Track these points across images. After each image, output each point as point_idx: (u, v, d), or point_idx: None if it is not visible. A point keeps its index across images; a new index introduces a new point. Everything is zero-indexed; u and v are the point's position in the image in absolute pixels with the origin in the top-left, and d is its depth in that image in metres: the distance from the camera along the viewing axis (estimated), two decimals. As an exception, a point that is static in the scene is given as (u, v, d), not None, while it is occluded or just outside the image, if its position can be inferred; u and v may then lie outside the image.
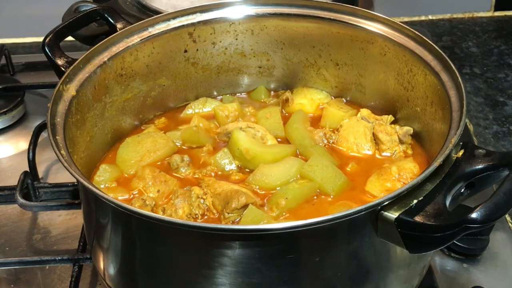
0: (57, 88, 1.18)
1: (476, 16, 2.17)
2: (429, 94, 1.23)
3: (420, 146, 1.29)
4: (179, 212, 1.15)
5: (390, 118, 1.33)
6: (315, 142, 1.31)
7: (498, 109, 1.76)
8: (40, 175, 1.50)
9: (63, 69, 1.28)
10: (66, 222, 1.41)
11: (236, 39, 1.42)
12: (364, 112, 1.34)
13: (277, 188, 1.20)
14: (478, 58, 1.97)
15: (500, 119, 1.73)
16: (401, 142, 1.28)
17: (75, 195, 1.43)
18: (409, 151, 1.28)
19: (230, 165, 1.27)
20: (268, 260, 0.98)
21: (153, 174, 1.23)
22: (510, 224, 1.38)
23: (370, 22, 1.32)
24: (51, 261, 1.27)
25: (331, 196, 1.19)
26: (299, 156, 1.28)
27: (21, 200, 1.35)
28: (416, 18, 2.18)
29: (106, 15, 1.39)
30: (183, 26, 1.36)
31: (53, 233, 1.39)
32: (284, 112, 1.41)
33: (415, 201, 0.98)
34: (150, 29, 1.34)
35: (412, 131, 1.28)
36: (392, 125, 1.31)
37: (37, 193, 1.43)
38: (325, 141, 1.32)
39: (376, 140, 1.30)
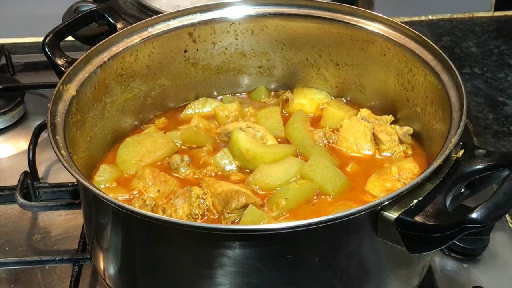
0: (57, 88, 1.18)
1: (476, 16, 2.17)
2: (429, 94, 1.23)
3: (420, 146, 1.29)
4: (179, 212, 1.15)
5: (390, 118, 1.33)
6: (315, 142, 1.31)
7: (498, 109, 1.76)
8: (40, 175, 1.50)
9: (63, 69, 1.28)
10: (66, 222, 1.41)
11: (236, 39, 1.42)
12: (364, 112, 1.34)
13: (277, 188, 1.20)
14: (478, 58, 1.97)
15: (500, 119, 1.73)
16: (401, 142, 1.28)
17: (75, 195, 1.43)
18: (409, 151, 1.28)
19: (230, 165, 1.27)
20: (268, 260, 0.98)
21: (153, 174, 1.23)
22: (510, 224, 1.38)
23: (370, 22, 1.32)
24: (51, 261, 1.27)
25: (331, 196, 1.19)
26: (299, 156, 1.28)
27: (21, 200, 1.35)
28: (416, 18, 2.18)
29: (106, 15, 1.39)
30: (183, 26, 1.36)
31: (53, 233, 1.39)
32: (284, 112, 1.41)
33: (415, 201, 0.98)
34: (150, 29, 1.34)
35: (412, 131, 1.28)
36: (392, 125, 1.31)
37: (37, 193, 1.43)
38: (325, 141, 1.32)
39: (376, 140, 1.30)
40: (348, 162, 1.27)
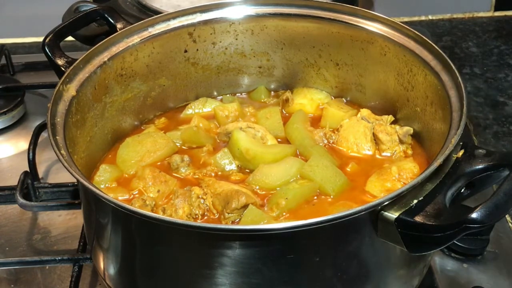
0: (57, 88, 1.18)
1: (476, 16, 2.17)
2: (429, 94, 1.23)
3: (420, 146, 1.29)
4: (179, 212, 1.15)
5: (390, 118, 1.33)
6: (315, 142, 1.31)
7: (498, 109, 1.76)
8: (40, 175, 1.50)
9: (63, 69, 1.28)
10: (66, 222, 1.41)
11: (236, 39, 1.42)
12: (364, 112, 1.34)
13: (277, 188, 1.20)
14: (478, 58, 1.97)
15: (500, 119, 1.73)
16: (401, 142, 1.28)
17: (75, 195, 1.43)
18: (409, 151, 1.28)
19: (230, 165, 1.27)
20: (268, 260, 0.98)
21: (153, 174, 1.23)
22: (510, 224, 1.38)
23: (370, 22, 1.32)
24: (51, 261, 1.27)
25: (331, 196, 1.18)
26: (299, 156, 1.28)
27: (21, 200, 1.35)
28: (416, 18, 2.18)
29: (106, 15, 1.39)
30: (183, 26, 1.36)
31: (53, 233, 1.39)
32: (284, 112, 1.41)
33: (415, 201, 0.98)
34: (150, 29, 1.34)
35: (412, 131, 1.28)
36: (392, 125, 1.31)
37: (37, 193, 1.43)
38: (325, 141, 1.32)
39: (376, 140, 1.30)
40: (348, 162, 1.27)
